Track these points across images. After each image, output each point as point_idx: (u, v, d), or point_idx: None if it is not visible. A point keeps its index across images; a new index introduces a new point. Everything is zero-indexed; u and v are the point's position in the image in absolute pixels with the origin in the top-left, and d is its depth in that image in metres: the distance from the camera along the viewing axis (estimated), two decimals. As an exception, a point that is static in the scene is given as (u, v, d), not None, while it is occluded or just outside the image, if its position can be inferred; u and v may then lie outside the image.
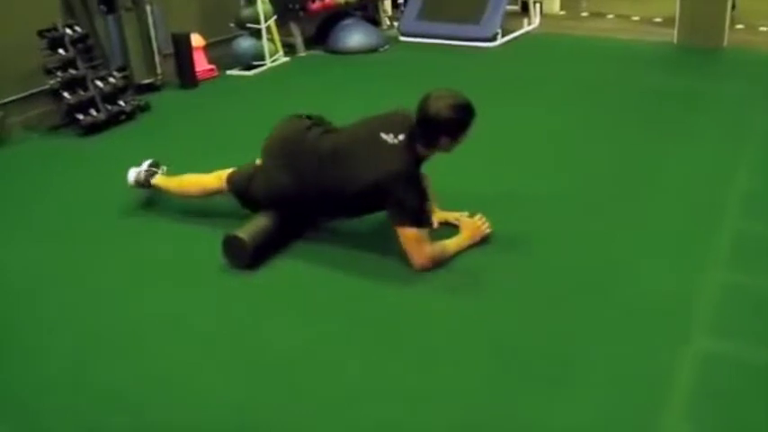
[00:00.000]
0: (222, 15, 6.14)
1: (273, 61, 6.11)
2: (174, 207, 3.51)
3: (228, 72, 5.97)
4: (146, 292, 2.90)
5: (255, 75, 5.92)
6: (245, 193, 3.19)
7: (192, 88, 5.58)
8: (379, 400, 2.25)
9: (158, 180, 3.51)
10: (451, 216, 3.23)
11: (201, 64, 5.76)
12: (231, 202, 3.29)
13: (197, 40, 5.72)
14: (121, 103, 4.91)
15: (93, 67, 4.89)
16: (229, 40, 6.06)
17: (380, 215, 3.08)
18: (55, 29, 4.75)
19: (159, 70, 5.53)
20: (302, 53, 6.51)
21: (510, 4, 7.21)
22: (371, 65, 6.23)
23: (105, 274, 3.04)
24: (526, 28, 7.24)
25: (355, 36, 6.53)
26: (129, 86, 5.16)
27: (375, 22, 7.30)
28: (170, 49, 5.59)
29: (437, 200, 3.28)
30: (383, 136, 2.92)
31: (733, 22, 6.67)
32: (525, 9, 7.61)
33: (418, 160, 2.94)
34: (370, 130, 3.00)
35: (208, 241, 3.12)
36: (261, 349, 2.52)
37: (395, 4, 7.81)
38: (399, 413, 2.20)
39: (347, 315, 2.70)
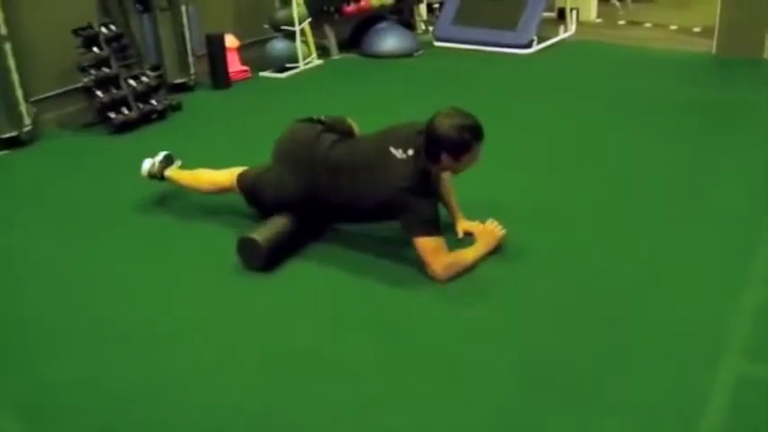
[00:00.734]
0: (256, 17, 6.14)
1: (307, 64, 6.10)
2: (194, 204, 3.52)
3: (261, 74, 5.96)
4: (164, 292, 2.88)
5: (288, 77, 5.91)
6: (251, 192, 3.21)
7: (225, 89, 5.58)
8: (397, 409, 2.21)
9: (171, 172, 3.53)
10: (473, 227, 3.17)
11: (235, 65, 5.76)
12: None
13: (231, 41, 5.73)
14: (154, 102, 4.92)
15: (127, 66, 4.92)
16: (263, 42, 6.06)
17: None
18: (90, 27, 4.78)
19: (192, 70, 5.54)
20: (336, 56, 6.49)
21: (546, 10, 7.13)
22: (405, 69, 6.19)
23: (124, 273, 3.03)
24: (562, 35, 7.16)
25: (390, 40, 6.50)
26: (162, 86, 5.18)
27: (410, 26, 7.25)
28: (204, 50, 5.60)
29: (461, 210, 3.24)
30: (392, 150, 2.90)
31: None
32: (562, 16, 7.53)
33: (427, 175, 2.90)
34: (380, 143, 2.97)
35: (230, 242, 3.10)
36: (278, 352, 2.49)
37: (430, 9, 7.76)
38: (416, 423, 2.15)
39: (364, 321, 2.66)
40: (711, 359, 2.39)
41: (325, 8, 6.33)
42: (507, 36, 6.59)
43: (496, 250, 3.03)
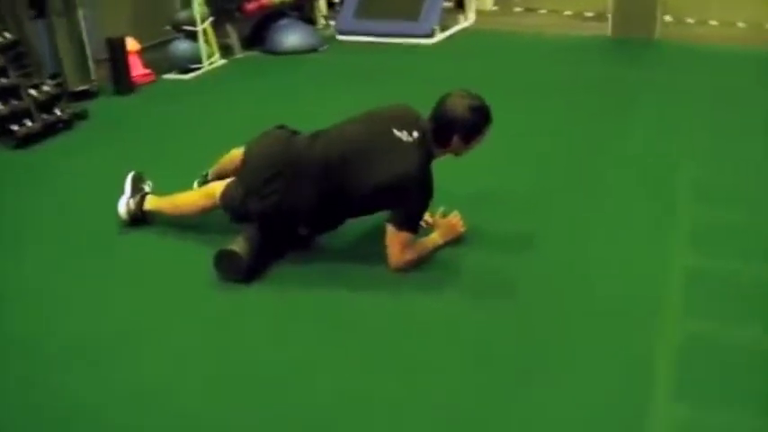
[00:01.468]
0: (156, 18, 5.98)
1: (211, 64, 5.98)
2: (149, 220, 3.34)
3: (165, 76, 5.80)
4: (123, 305, 2.77)
5: (193, 78, 5.78)
6: (240, 213, 3.01)
7: (129, 94, 5.39)
8: (357, 406, 2.21)
9: (150, 204, 3.27)
10: (436, 219, 3.16)
11: (137, 69, 5.59)
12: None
13: (132, 44, 5.54)
14: (57, 111, 4.71)
15: (26, 75, 4.70)
16: (165, 44, 5.91)
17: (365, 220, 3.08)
18: (-18, 36, 4.55)
19: (93, 76, 5.34)
20: (239, 54, 6.40)
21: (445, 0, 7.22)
22: (311, 65, 6.16)
23: (82, 290, 2.88)
24: (462, 24, 7.27)
25: (293, 36, 6.44)
26: (63, 94, 4.97)
27: (311, 21, 7.22)
28: (104, 55, 5.41)
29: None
30: (397, 133, 2.84)
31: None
32: (460, 5, 7.63)
33: (430, 160, 2.88)
34: (378, 125, 2.90)
35: (189, 253, 3.04)
36: (248, 365, 2.43)
37: (330, 4, 7.74)
38: (383, 420, 2.16)
39: (339, 326, 2.62)
40: (652, 324, 2.51)
41: (226, 6, 6.21)
42: (409, 26, 6.65)
43: (454, 241, 3.06)
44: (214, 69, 5.98)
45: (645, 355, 2.36)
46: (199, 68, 5.87)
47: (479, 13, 7.80)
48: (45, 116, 4.63)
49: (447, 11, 7.41)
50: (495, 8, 8.27)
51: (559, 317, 2.59)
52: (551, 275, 2.85)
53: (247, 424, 2.16)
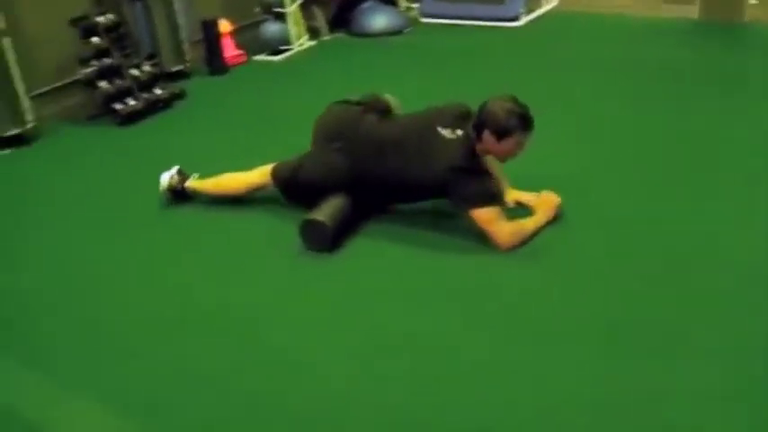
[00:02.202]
0: (248, 0, 6.04)
1: (300, 46, 6.03)
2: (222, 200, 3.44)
3: (256, 57, 5.87)
4: (228, 283, 2.85)
5: (283, 59, 5.84)
6: (292, 183, 3.16)
7: (222, 74, 5.49)
8: (503, 379, 2.23)
9: (193, 183, 3.42)
10: (524, 196, 3.20)
11: (230, 50, 5.67)
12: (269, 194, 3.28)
13: (225, 25, 5.62)
14: (158, 91, 4.82)
15: (127, 56, 4.81)
16: (255, 25, 5.97)
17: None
18: (86, 17, 4.65)
19: (188, 57, 5.44)
20: (326, 36, 6.43)
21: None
22: (397, 47, 6.15)
23: (178, 269, 2.98)
24: (546, 6, 7.18)
25: (379, 18, 6.45)
26: (161, 74, 5.07)
27: (392, 3, 7.20)
28: (197, 36, 5.50)
29: (508, 180, 3.25)
30: (440, 130, 2.93)
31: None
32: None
33: (476, 154, 2.92)
34: (426, 122, 3.00)
35: (266, 226, 3.13)
36: (372, 333, 2.48)
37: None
38: (524, 390, 2.18)
39: (444, 294, 2.67)
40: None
41: (314, -12, 6.24)
42: (495, 10, 6.58)
43: (554, 219, 3.05)
44: (303, 51, 6.03)
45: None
46: (288, 50, 5.92)
47: (561, -6, 7.69)
48: (146, 95, 4.74)
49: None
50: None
51: (685, 287, 2.60)
52: (664, 252, 2.84)
53: (400, 400, 2.19)
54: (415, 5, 7.19)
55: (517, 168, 3.16)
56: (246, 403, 2.20)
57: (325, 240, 2.92)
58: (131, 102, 4.64)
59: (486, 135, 2.87)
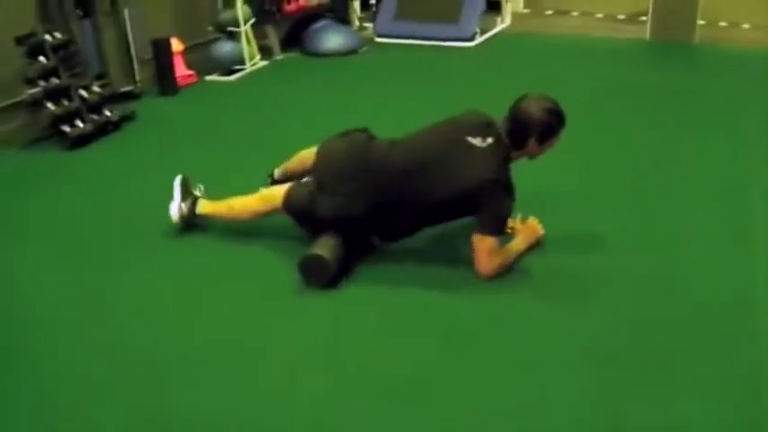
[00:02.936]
0: (197, 18, 5.90)
1: (253, 65, 5.90)
2: (203, 224, 3.27)
3: (208, 77, 5.73)
4: (208, 317, 2.69)
5: (236, 80, 5.70)
6: (307, 215, 2.97)
7: (173, 95, 5.33)
8: (494, 416, 2.14)
9: (204, 208, 3.21)
10: (516, 224, 3.12)
11: (180, 70, 5.51)
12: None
13: (176, 44, 5.47)
14: (107, 112, 4.64)
15: (75, 75, 4.62)
16: (206, 44, 5.83)
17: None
18: (34, 35, 4.46)
19: (138, 77, 5.27)
20: (279, 56, 6.32)
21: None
22: (352, 67, 6.08)
23: (155, 301, 2.79)
24: (499, 27, 7.21)
25: (333, 38, 6.38)
26: (111, 95, 4.89)
27: (346, 23, 7.14)
28: (148, 55, 5.33)
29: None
30: (471, 140, 2.83)
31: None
32: (492, 7, 7.55)
33: (507, 163, 2.86)
34: (454, 135, 2.88)
35: (249, 258, 2.98)
36: (360, 374, 2.36)
37: (365, 5, 7.66)
38: (516, 427, 2.10)
39: (436, 331, 2.56)
40: (757, 327, 2.47)
41: (266, 7, 6.13)
42: (450, 29, 6.58)
43: (534, 246, 3.01)
44: (256, 71, 5.90)
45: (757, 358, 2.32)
46: (241, 70, 5.79)
47: (512, 15, 7.73)
48: (95, 117, 4.56)
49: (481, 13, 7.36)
50: (526, 10, 8.21)
51: (662, 320, 2.55)
52: (640, 277, 2.81)
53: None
54: (369, 25, 7.15)
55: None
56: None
57: (326, 276, 2.79)
58: (80, 124, 4.45)
59: (532, 142, 2.83)
